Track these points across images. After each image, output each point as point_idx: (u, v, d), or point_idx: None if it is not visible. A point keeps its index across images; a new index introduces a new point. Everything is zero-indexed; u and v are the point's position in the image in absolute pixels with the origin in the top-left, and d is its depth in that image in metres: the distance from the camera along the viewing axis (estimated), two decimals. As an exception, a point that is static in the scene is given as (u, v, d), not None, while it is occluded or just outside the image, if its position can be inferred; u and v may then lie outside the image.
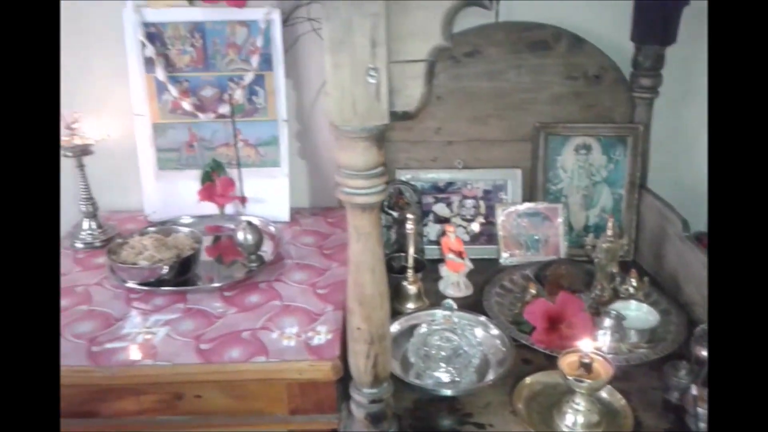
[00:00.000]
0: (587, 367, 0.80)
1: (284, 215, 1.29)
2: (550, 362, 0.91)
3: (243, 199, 1.27)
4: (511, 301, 1.10)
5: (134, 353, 0.86)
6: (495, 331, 0.97)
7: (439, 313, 0.96)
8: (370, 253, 0.71)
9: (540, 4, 1.21)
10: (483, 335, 0.98)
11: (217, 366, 0.83)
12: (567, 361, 0.81)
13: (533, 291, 1.05)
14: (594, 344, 0.84)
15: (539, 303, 1.00)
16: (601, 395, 0.84)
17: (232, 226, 1.25)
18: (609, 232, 1.04)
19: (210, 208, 1.26)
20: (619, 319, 0.96)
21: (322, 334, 0.90)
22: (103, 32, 1.21)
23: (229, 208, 1.27)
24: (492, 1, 0.64)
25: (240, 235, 1.08)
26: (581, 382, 0.79)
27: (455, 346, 0.91)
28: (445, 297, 1.08)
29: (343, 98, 0.63)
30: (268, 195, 1.28)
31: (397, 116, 0.66)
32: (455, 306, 0.96)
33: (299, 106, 1.30)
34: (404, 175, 1.25)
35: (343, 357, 0.85)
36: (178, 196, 1.27)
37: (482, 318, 0.99)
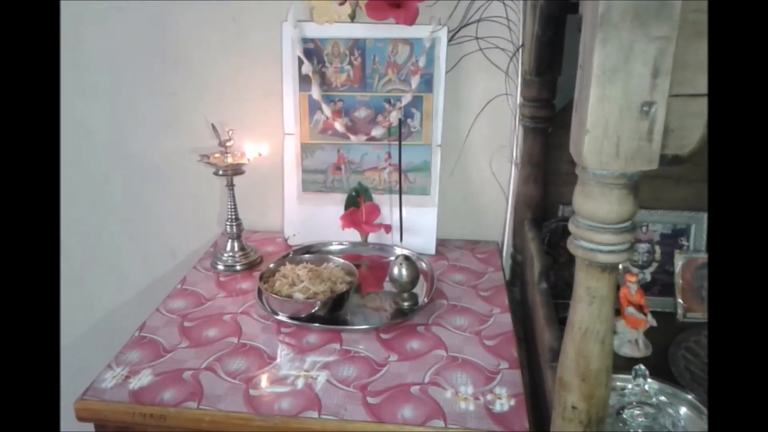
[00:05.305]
0: None
1: (430, 248, 1.19)
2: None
3: (387, 228, 1.18)
4: (701, 368, 0.94)
5: (297, 401, 0.78)
6: (705, 412, 0.82)
7: (633, 382, 0.82)
8: (603, 320, 0.59)
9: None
10: (685, 413, 0.83)
11: (393, 426, 0.73)
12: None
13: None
14: None
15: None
16: None
17: (366, 254, 1.18)
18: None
19: (352, 234, 1.19)
20: None
21: (503, 399, 0.78)
22: (260, 49, 1.16)
23: (372, 237, 1.19)
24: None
25: (395, 271, 0.99)
26: None
27: (659, 427, 0.77)
28: (619, 356, 0.95)
29: (605, 137, 0.52)
30: (413, 224, 1.18)
31: (665, 160, 0.54)
32: (647, 373, 0.82)
33: (453, 130, 1.20)
34: (568, 212, 1.12)
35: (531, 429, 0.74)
36: (319, 220, 1.20)
37: (689, 396, 0.84)
